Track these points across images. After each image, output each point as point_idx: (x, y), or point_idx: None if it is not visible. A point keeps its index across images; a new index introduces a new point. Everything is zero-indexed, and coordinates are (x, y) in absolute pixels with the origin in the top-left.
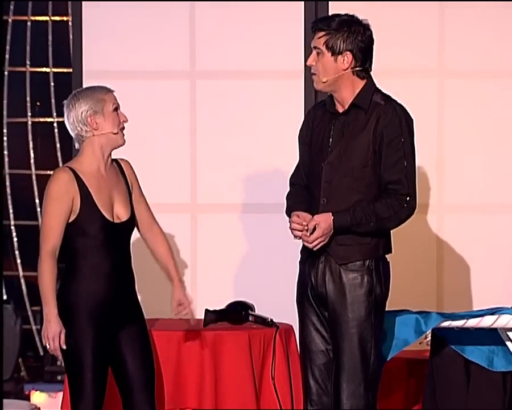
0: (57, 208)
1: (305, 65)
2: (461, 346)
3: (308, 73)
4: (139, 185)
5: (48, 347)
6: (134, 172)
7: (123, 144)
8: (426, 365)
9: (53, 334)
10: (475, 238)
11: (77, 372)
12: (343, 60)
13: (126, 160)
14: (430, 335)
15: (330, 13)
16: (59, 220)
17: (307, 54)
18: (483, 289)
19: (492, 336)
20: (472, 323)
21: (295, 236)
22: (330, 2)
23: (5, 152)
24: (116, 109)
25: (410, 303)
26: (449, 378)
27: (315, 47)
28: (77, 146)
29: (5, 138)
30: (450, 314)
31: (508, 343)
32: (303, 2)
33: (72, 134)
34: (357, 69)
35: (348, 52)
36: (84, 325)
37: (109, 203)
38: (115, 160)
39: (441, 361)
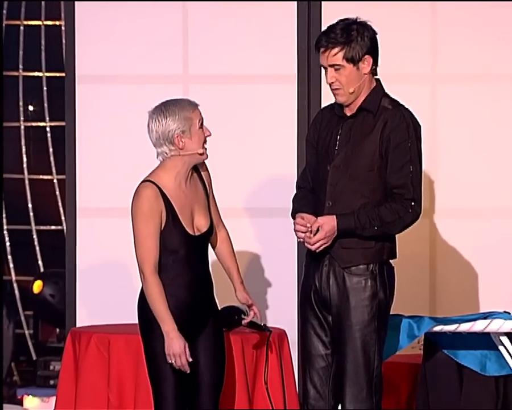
0: (151, 226)
1: (298, 69)
2: (454, 351)
3: (301, 76)
4: (212, 187)
5: (174, 363)
6: (209, 173)
7: (206, 159)
8: (419, 370)
9: (178, 351)
10: (467, 242)
11: (160, 382)
12: (364, 64)
13: (203, 162)
14: (423, 339)
15: (323, 14)
16: (155, 238)
17: (300, 58)
18: (475, 293)
19: (484, 341)
20: (464, 327)
21: (299, 238)
22: (323, 2)
23: None
24: (202, 124)
25: (402, 307)
26: (442, 383)
27: (332, 65)
28: (160, 158)
29: None
30: (442, 318)
31: (500, 348)
32: (296, 2)
33: (157, 149)
34: (374, 67)
35: (367, 55)
36: None
37: (190, 217)
38: None
39: (434, 365)
